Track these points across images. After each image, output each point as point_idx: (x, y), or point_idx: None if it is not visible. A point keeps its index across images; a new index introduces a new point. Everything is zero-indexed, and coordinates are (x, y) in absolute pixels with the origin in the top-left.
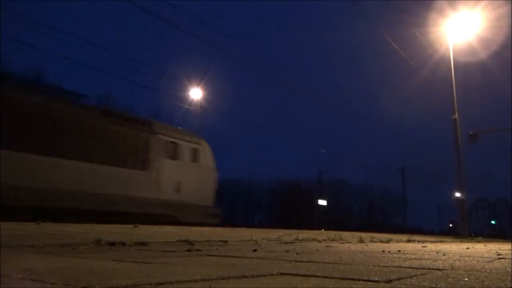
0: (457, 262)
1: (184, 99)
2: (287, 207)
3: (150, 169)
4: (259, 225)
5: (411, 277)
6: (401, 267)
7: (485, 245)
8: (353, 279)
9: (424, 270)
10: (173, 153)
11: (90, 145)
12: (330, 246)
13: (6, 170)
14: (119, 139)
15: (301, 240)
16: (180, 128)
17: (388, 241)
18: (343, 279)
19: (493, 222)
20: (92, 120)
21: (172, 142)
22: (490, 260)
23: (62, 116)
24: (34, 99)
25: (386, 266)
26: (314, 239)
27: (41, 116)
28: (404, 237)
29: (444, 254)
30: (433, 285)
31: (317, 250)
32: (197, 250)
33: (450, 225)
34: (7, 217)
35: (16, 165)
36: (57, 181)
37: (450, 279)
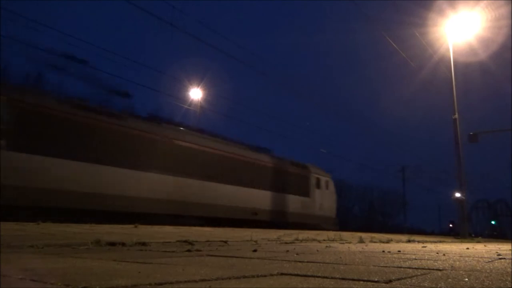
0: (457, 263)
1: (184, 99)
2: None
3: (311, 196)
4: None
5: (411, 277)
6: (401, 267)
7: (485, 246)
8: (353, 279)
9: (424, 271)
10: (317, 185)
11: (280, 182)
12: (330, 246)
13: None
14: (294, 179)
15: (301, 241)
16: (316, 166)
17: (388, 242)
18: (343, 279)
19: (493, 222)
20: (281, 168)
21: (317, 178)
22: (490, 260)
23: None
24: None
25: (386, 267)
26: (314, 239)
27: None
28: (404, 237)
29: (444, 255)
30: (433, 285)
31: (317, 251)
32: (197, 250)
33: (450, 225)
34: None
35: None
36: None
37: (450, 279)
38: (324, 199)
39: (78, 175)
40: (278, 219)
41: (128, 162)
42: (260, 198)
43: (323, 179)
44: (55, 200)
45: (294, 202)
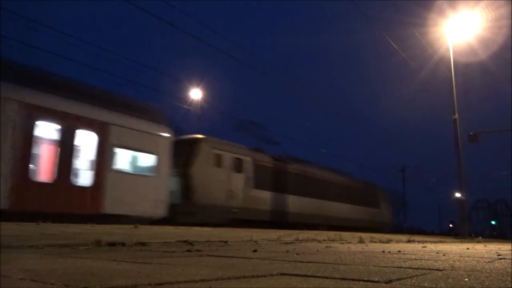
0: (457, 263)
1: (184, 99)
2: None
3: (380, 207)
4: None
5: (411, 277)
6: (401, 267)
7: (485, 246)
8: (353, 280)
9: (424, 271)
10: (383, 199)
11: (362, 198)
12: (330, 247)
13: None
14: (369, 195)
15: (301, 241)
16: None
17: (388, 242)
18: (343, 279)
19: (493, 222)
20: (361, 188)
21: (383, 194)
22: (490, 260)
23: None
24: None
25: (386, 267)
26: (314, 240)
27: None
28: (404, 237)
29: (444, 255)
30: (433, 286)
31: (317, 251)
32: (197, 250)
33: (450, 225)
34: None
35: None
36: None
37: (450, 280)
38: (387, 209)
39: (273, 200)
40: (360, 225)
41: (289, 190)
42: (351, 210)
43: (386, 194)
44: (262, 215)
45: (369, 212)
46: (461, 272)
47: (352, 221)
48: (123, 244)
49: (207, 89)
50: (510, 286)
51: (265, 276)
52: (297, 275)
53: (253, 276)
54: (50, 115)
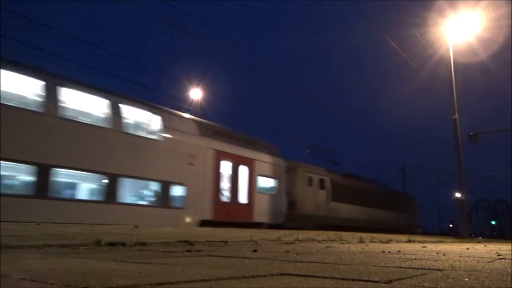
0: (457, 263)
1: (184, 99)
2: None
3: (413, 213)
4: None
5: (411, 277)
6: (401, 267)
7: (485, 246)
8: (353, 280)
9: (424, 271)
10: (415, 206)
11: (401, 206)
12: (330, 247)
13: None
14: (406, 204)
15: (301, 241)
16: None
17: (388, 242)
18: (343, 279)
19: (493, 222)
20: (401, 197)
21: (415, 202)
22: (490, 260)
23: None
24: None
25: (386, 267)
26: (314, 240)
27: None
28: (404, 237)
29: (444, 255)
30: (433, 286)
31: (317, 251)
32: (197, 250)
33: (450, 225)
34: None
35: None
36: None
37: (450, 280)
38: (418, 214)
39: (343, 210)
40: (399, 228)
41: (352, 201)
42: (392, 216)
43: (417, 202)
44: (338, 222)
45: (405, 217)
46: (461, 272)
47: (393, 225)
48: (123, 244)
49: (207, 89)
50: (510, 286)
51: (265, 276)
52: (297, 275)
53: (253, 276)
54: (227, 157)
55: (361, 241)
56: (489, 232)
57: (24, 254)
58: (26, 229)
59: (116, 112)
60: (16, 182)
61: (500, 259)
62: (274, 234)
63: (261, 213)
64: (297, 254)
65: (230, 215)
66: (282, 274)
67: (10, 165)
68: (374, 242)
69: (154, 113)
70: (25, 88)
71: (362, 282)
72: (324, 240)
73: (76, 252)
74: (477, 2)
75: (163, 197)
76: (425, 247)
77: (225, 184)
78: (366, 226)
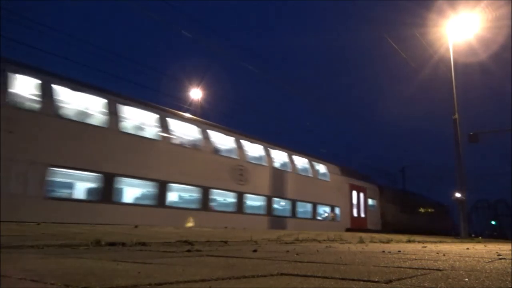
0: (457, 263)
1: (184, 99)
2: None
3: (446, 219)
4: None
5: (411, 277)
6: (401, 267)
7: (485, 246)
8: (353, 280)
9: (424, 271)
10: (448, 213)
11: (437, 214)
12: (330, 247)
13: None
14: (440, 212)
15: (301, 241)
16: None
17: (388, 242)
18: (343, 279)
19: (493, 222)
20: (439, 207)
21: (447, 209)
22: (490, 260)
23: None
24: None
25: (386, 267)
26: (314, 240)
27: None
28: (404, 237)
29: (444, 255)
30: (433, 286)
31: (317, 251)
32: (197, 250)
33: None
34: None
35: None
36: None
37: (450, 280)
38: (450, 220)
39: (403, 218)
40: (437, 230)
41: (406, 211)
42: (431, 221)
43: (449, 209)
44: (402, 227)
45: (439, 222)
46: (461, 272)
47: (432, 228)
48: (123, 244)
49: (207, 89)
50: (510, 286)
51: (265, 276)
52: (297, 275)
53: (253, 276)
54: (354, 187)
55: (361, 241)
56: (489, 232)
57: (24, 254)
58: (26, 229)
59: (291, 160)
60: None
61: (500, 259)
62: (274, 234)
63: (371, 223)
64: (297, 254)
65: (358, 225)
66: (282, 274)
67: (81, 174)
68: (374, 242)
69: (323, 164)
70: (92, 106)
71: (362, 282)
72: (324, 240)
73: (76, 252)
74: (477, 2)
75: (331, 214)
76: (425, 247)
77: (354, 205)
78: (414, 229)
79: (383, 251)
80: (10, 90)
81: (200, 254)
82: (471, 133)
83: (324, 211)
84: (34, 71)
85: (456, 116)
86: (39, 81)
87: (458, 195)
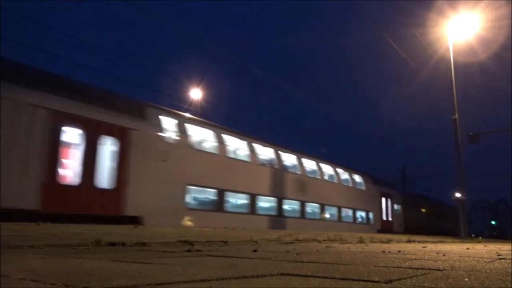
0: (457, 263)
1: (184, 99)
2: None
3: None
4: None
5: (411, 277)
6: (401, 267)
7: (485, 246)
8: (353, 280)
9: (424, 271)
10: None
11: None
12: (330, 247)
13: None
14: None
15: (301, 241)
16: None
17: (388, 242)
18: (343, 279)
19: (493, 222)
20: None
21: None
22: (490, 260)
23: None
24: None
25: (386, 267)
26: (314, 240)
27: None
28: (404, 237)
29: (444, 255)
30: (433, 286)
31: (317, 251)
32: (197, 250)
33: None
34: None
35: None
36: None
37: (450, 280)
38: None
39: (426, 221)
40: (450, 231)
41: (426, 215)
42: (444, 223)
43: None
44: (426, 229)
45: (453, 224)
46: (461, 272)
47: (446, 229)
48: (123, 244)
49: (207, 89)
50: (510, 286)
51: (265, 276)
52: (297, 275)
53: (253, 276)
54: (383, 194)
55: (361, 241)
56: (489, 232)
57: (24, 254)
58: (26, 229)
59: (336, 172)
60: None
61: (500, 259)
62: (274, 234)
63: (396, 226)
64: (297, 254)
65: (386, 227)
66: (282, 274)
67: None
68: (374, 242)
69: (359, 175)
70: (206, 136)
71: (362, 282)
72: (324, 240)
73: (76, 252)
74: (477, 2)
75: (367, 218)
76: (425, 247)
77: (383, 210)
78: (432, 230)
79: (383, 251)
80: (164, 129)
81: (200, 254)
82: (471, 133)
83: (360, 215)
84: (171, 113)
85: (456, 116)
86: (176, 121)
87: (458, 195)
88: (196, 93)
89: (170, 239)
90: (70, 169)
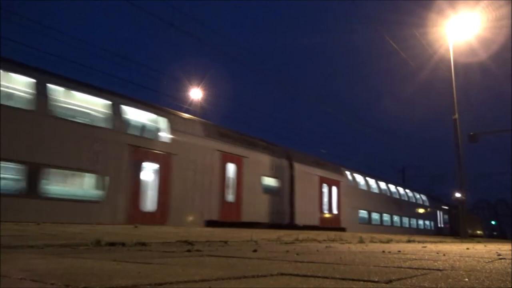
0: (457, 263)
1: (184, 99)
2: None
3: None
4: None
5: (411, 277)
6: (401, 267)
7: (485, 246)
8: (353, 280)
9: (424, 271)
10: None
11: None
12: (330, 247)
13: None
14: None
15: (301, 241)
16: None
17: (388, 242)
18: (343, 279)
19: (493, 222)
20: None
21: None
22: (490, 260)
23: None
24: None
25: (386, 267)
26: (314, 240)
27: None
28: (404, 237)
29: (444, 255)
30: (433, 286)
31: (317, 251)
32: (197, 250)
33: None
34: None
35: None
36: None
37: (450, 280)
38: (478, 223)
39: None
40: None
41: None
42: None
43: (479, 216)
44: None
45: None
46: (461, 272)
47: (472, 229)
48: (123, 244)
49: (207, 89)
50: (510, 286)
51: (265, 276)
52: (297, 275)
53: (253, 276)
54: (439, 208)
55: (361, 241)
56: (489, 232)
57: (24, 254)
58: (26, 229)
59: (414, 195)
60: None
61: (500, 259)
62: (274, 234)
63: (445, 231)
64: (297, 254)
65: (441, 233)
66: (282, 274)
67: None
68: (374, 242)
69: (424, 195)
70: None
71: (362, 282)
72: (324, 240)
73: (76, 252)
74: (477, 2)
75: (429, 225)
76: (425, 247)
77: (439, 219)
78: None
79: (383, 251)
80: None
81: (200, 254)
82: (471, 133)
83: (426, 223)
84: (357, 171)
85: (456, 116)
86: (359, 175)
87: (458, 195)
88: (196, 93)
89: (170, 239)
90: None
